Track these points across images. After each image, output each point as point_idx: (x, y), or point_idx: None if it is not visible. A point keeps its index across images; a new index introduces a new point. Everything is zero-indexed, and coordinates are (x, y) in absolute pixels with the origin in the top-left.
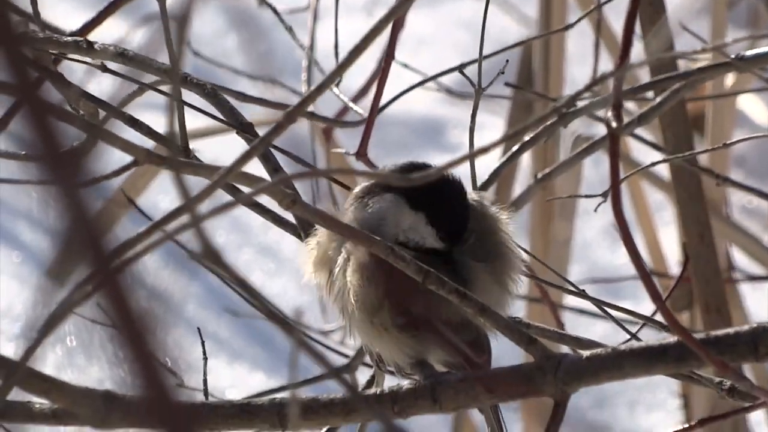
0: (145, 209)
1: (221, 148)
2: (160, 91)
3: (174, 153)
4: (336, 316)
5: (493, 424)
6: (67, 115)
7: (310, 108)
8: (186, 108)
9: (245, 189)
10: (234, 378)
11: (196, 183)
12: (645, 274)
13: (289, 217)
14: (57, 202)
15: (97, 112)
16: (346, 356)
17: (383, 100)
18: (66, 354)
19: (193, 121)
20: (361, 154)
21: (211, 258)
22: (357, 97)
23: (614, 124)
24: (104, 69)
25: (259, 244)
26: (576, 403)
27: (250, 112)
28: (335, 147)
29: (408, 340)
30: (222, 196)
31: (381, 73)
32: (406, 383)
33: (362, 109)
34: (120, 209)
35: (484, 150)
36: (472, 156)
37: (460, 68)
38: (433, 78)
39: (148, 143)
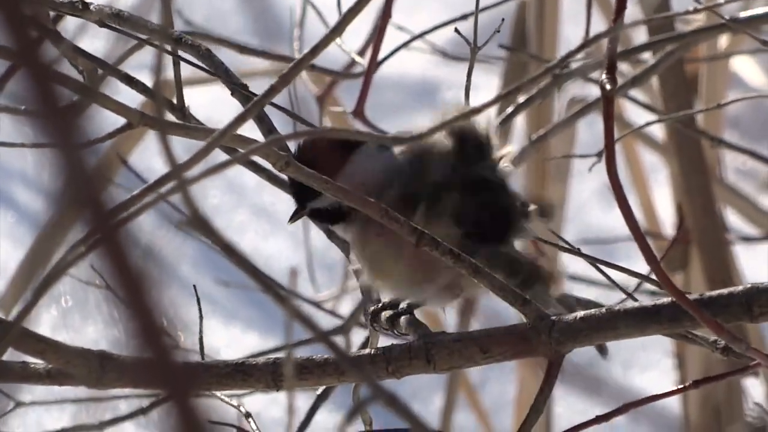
0: (136, 170)
1: (214, 102)
2: (157, 46)
3: (167, 114)
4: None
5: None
6: (61, 77)
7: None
8: (182, 67)
9: (240, 150)
10: (229, 338)
11: (191, 143)
12: (639, 235)
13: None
14: (54, 162)
15: (95, 69)
16: (339, 316)
17: (382, 58)
18: (62, 314)
19: (187, 75)
20: (358, 112)
21: (199, 224)
22: (358, 55)
23: (608, 86)
24: (102, 24)
25: (253, 205)
26: (571, 361)
27: (245, 68)
28: (333, 106)
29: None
30: (217, 158)
31: (378, 32)
32: (400, 343)
33: (360, 69)
34: (112, 170)
35: (478, 110)
36: (465, 115)
37: (454, 24)
38: (428, 32)
39: (142, 101)
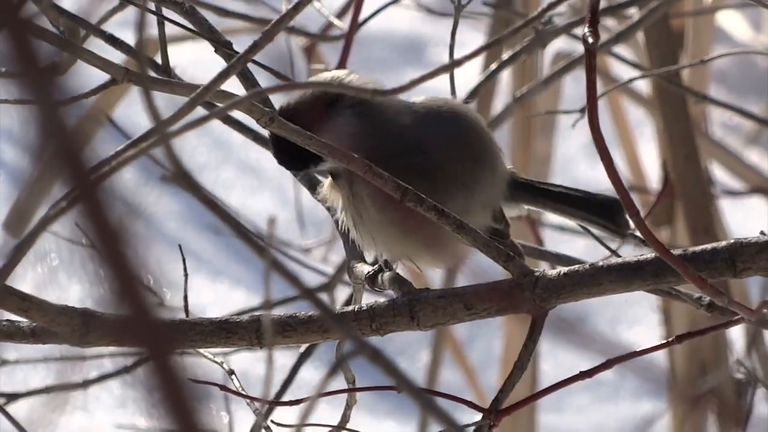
0: (120, 126)
1: (199, 61)
2: (140, 6)
3: (150, 70)
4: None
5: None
6: (45, 33)
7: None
8: (166, 25)
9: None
10: (215, 295)
11: (175, 100)
12: (623, 190)
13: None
14: (35, 119)
15: (77, 29)
16: (323, 273)
17: (364, 18)
18: (46, 272)
19: (171, 33)
20: (341, 69)
21: (181, 179)
22: (338, 15)
23: (591, 40)
24: None
25: (240, 161)
26: (557, 315)
27: (228, 26)
28: (317, 64)
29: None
30: (202, 114)
31: None
32: (384, 300)
33: (344, 25)
34: (95, 125)
35: (460, 62)
36: (448, 68)
37: None
38: None
39: (126, 60)
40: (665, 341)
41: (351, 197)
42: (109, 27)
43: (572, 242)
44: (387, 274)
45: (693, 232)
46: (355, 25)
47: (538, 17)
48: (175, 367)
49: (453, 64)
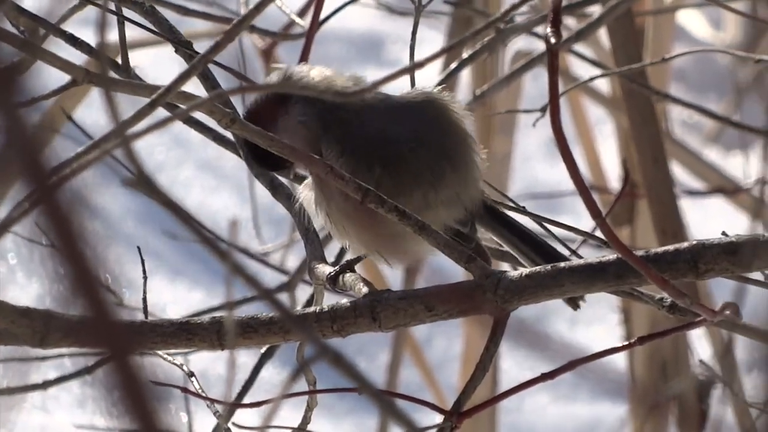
0: (80, 126)
1: (159, 62)
2: (100, 6)
3: (111, 71)
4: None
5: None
6: (5, 33)
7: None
8: (126, 25)
9: (184, 107)
10: (174, 295)
11: (136, 101)
12: (585, 191)
13: (230, 135)
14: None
15: (37, 29)
16: (284, 272)
17: (324, 17)
18: (6, 272)
19: (130, 33)
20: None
21: (142, 181)
22: (299, 15)
23: (553, 40)
24: None
25: (199, 160)
26: (517, 318)
27: (188, 29)
28: (276, 63)
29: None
30: (162, 115)
31: None
32: (345, 302)
33: (303, 26)
34: (54, 127)
35: (422, 64)
36: (410, 69)
37: None
38: None
39: (87, 60)
40: (627, 343)
41: (322, 193)
42: (69, 27)
43: None
44: (349, 275)
45: (662, 235)
46: (316, 24)
47: (500, 18)
48: (135, 367)
49: (415, 66)
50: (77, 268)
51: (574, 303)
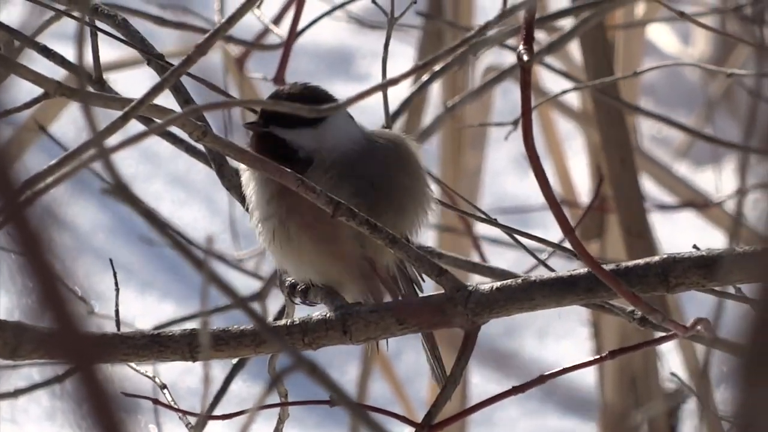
0: (56, 139)
1: (132, 81)
2: (74, 17)
3: (86, 84)
4: (258, 236)
5: (431, 359)
6: None
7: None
8: (99, 39)
9: (157, 120)
10: (144, 307)
11: (108, 114)
12: (556, 207)
13: (201, 146)
14: None
15: (11, 40)
16: (259, 278)
17: (300, 29)
18: None
19: (106, 52)
20: (279, 79)
21: (120, 191)
22: (275, 23)
23: (525, 57)
24: None
25: (169, 173)
26: (485, 331)
27: (161, 45)
28: (249, 74)
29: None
30: (134, 127)
31: (297, 1)
32: (316, 314)
33: (280, 34)
34: (29, 139)
35: (395, 81)
36: (383, 86)
37: None
38: (344, 5)
39: (61, 72)
40: (597, 357)
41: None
42: (42, 39)
43: (503, 254)
44: (319, 289)
45: (627, 234)
46: (294, 35)
47: (475, 36)
48: (101, 379)
49: (388, 83)
50: (44, 280)
51: (438, 378)
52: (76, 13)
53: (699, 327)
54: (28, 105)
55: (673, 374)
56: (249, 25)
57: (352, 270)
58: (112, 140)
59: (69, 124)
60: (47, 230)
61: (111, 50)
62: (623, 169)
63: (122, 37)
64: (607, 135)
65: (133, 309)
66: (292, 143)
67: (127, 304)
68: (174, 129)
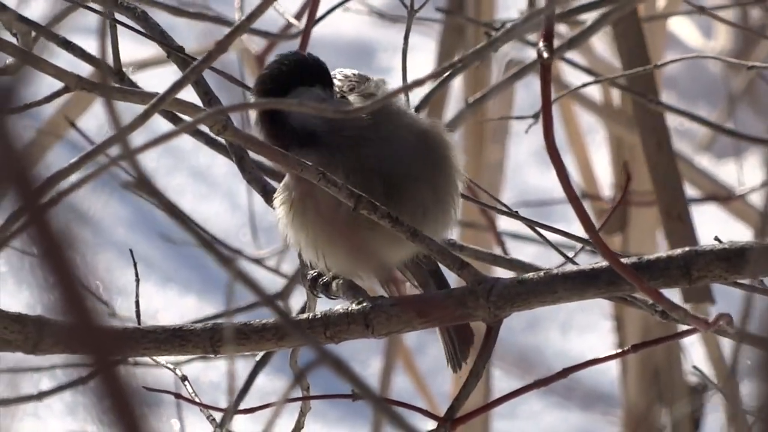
0: (85, 133)
1: (154, 79)
2: (93, 9)
3: (106, 78)
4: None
5: (446, 344)
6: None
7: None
8: (120, 33)
9: (180, 115)
10: (166, 300)
11: (130, 107)
12: (577, 203)
13: (222, 139)
14: None
15: (30, 33)
16: (281, 275)
17: (317, 18)
18: None
19: (127, 48)
20: None
21: (143, 186)
22: (296, 18)
23: (545, 54)
24: None
25: (190, 167)
26: (508, 324)
27: (180, 40)
28: None
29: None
30: (156, 121)
31: None
32: (338, 308)
33: (298, 29)
34: (55, 136)
35: (420, 82)
36: (408, 88)
37: None
38: None
39: (83, 67)
40: (620, 351)
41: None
42: (63, 32)
43: (523, 248)
44: (342, 282)
45: (667, 218)
46: (311, 27)
47: (498, 38)
48: (122, 374)
49: (413, 84)
50: (64, 276)
51: (455, 366)
52: (95, 6)
53: (721, 322)
54: (48, 99)
55: (695, 368)
56: (268, 20)
57: (365, 261)
58: (135, 135)
59: (92, 124)
60: (68, 226)
61: (131, 44)
62: (660, 153)
63: (142, 30)
64: (643, 123)
65: (154, 303)
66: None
67: (149, 297)
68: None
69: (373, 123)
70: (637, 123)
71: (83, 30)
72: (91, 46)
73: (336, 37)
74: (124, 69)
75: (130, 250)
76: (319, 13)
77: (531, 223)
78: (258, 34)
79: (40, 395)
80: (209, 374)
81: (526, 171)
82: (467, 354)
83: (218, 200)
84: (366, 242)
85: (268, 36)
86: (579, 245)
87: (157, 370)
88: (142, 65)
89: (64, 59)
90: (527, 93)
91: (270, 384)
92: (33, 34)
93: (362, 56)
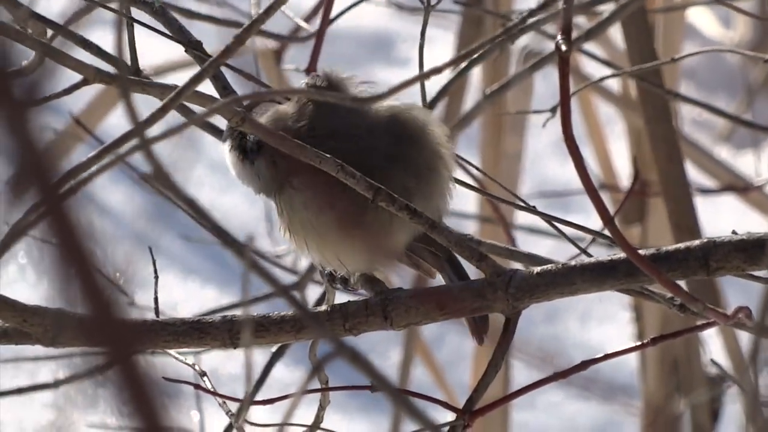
0: (108, 134)
1: (170, 79)
2: (110, 8)
3: (124, 71)
4: (288, 231)
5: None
6: (18, 34)
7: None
8: (137, 30)
9: (197, 108)
10: (186, 293)
11: (149, 103)
12: (594, 194)
13: None
14: (2, 127)
15: (46, 32)
16: (296, 273)
17: (333, 16)
18: (18, 271)
19: (144, 44)
20: (311, 70)
21: (161, 180)
22: (309, 17)
23: (564, 47)
24: None
25: (210, 159)
26: (527, 316)
27: (198, 37)
28: (284, 65)
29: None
30: (174, 115)
31: None
32: (357, 300)
33: (312, 27)
34: (79, 134)
35: (437, 71)
36: (424, 76)
37: None
38: None
39: (100, 63)
40: (639, 344)
41: (283, 195)
42: (78, 30)
43: (539, 243)
44: (359, 274)
45: (677, 230)
46: (326, 26)
47: (515, 26)
48: (141, 366)
49: (429, 72)
50: (82, 268)
51: (480, 338)
52: (113, 5)
53: (740, 315)
54: (68, 91)
55: (713, 361)
56: (285, 17)
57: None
58: (154, 130)
59: (120, 121)
60: (86, 217)
61: (149, 39)
62: (671, 165)
63: (160, 28)
64: (654, 132)
65: (175, 295)
66: None
67: (170, 290)
68: (212, 116)
69: (339, 119)
70: (648, 132)
71: (99, 24)
72: (107, 41)
73: (355, 29)
74: (141, 68)
75: (149, 247)
76: (335, 7)
77: (547, 217)
78: (269, 36)
79: (57, 383)
80: (229, 366)
81: (545, 161)
82: (487, 326)
83: (237, 193)
84: (372, 230)
85: (278, 38)
86: (594, 237)
87: (176, 363)
88: (160, 70)
89: (81, 56)
90: (546, 84)
91: (290, 375)
92: (49, 32)
93: (381, 48)
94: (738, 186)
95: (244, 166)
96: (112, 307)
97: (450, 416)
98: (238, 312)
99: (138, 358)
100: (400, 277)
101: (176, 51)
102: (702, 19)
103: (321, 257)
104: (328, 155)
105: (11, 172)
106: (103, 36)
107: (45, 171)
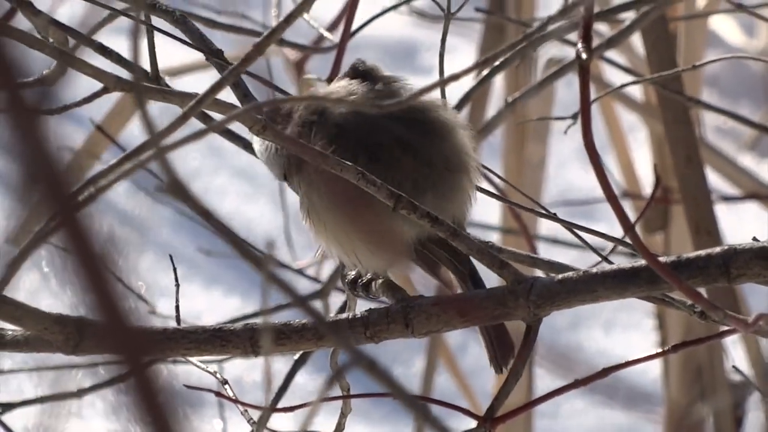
0: (130, 142)
1: (190, 85)
2: (130, 16)
3: (143, 79)
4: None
5: (491, 351)
6: (37, 42)
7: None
8: (157, 37)
9: (217, 116)
10: (210, 301)
11: (169, 111)
12: (615, 203)
13: None
14: (16, 139)
15: (66, 40)
16: (318, 281)
17: (356, 26)
18: (40, 280)
19: (163, 50)
20: (332, 80)
21: (177, 191)
22: (331, 27)
23: (584, 55)
24: None
25: (234, 167)
26: (550, 323)
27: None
28: (307, 75)
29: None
30: (191, 122)
31: (351, 2)
32: (378, 308)
33: (335, 37)
34: (101, 142)
35: (456, 77)
36: (444, 82)
37: None
38: (405, 2)
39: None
40: (661, 350)
41: (305, 192)
42: (98, 37)
43: (562, 253)
44: (381, 282)
45: (696, 234)
46: (347, 36)
47: (535, 32)
48: (158, 375)
49: (449, 79)
50: (95, 275)
51: (498, 367)
52: (133, 13)
53: (761, 322)
54: (87, 99)
55: (735, 368)
56: (306, 26)
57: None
58: (174, 137)
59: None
60: (105, 227)
61: (170, 47)
62: (690, 168)
63: (180, 36)
64: (673, 135)
65: (198, 304)
66: None
67: (193, 298)
68: (234, 124)
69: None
70: (668, 138)
71: (118, 30)
72: (126, 47)
73: (377, 38)
74: (161, 75)
75: (170, 255)
76: (358, 16)
77: (569, 225)
78: (290, 46)
79: (80, 392)
80: (252, 374)
81: (569, 169)
82: (508, 362)
83: (262, 200)
84: (388, 228)
85: (299, 47)
86: (615, 245)
87: (198, 371)
88: (178, 72)
89: (101, 64)
90: (569, 91)
91: (312, 383)
92: (69, 40)
93: (404, 56)
94: (761, 194)
95: (269, 151)
96: (127, 316)
97: (472, 423)
98: (259, 320)
99: (155, 366)
100: (422, 285)
101: (191, 55)
102: (725, 27)
103: (339, 248)
104: (349, 163)
105: (27, 180)
106: (119, 43)
107: (62, 179)
